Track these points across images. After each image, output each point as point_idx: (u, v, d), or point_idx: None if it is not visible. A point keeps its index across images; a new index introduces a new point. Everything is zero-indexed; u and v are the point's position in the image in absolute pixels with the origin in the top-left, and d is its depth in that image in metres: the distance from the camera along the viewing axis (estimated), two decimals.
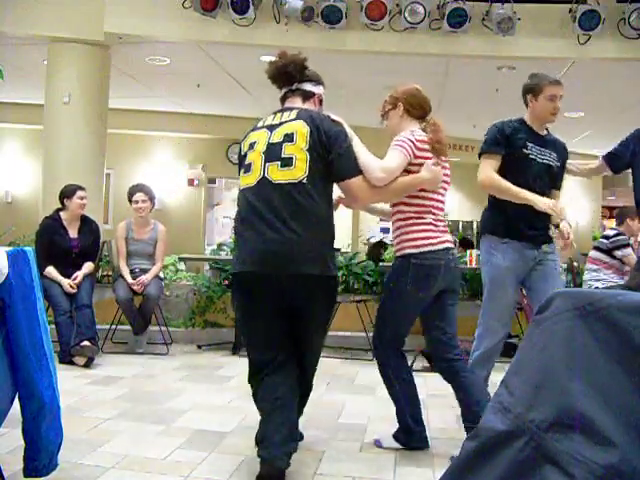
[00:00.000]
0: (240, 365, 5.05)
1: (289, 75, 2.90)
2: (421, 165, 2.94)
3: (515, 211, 3.25)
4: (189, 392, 4.07)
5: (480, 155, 3.31)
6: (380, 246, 7.15)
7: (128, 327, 5.38)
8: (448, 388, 4.47)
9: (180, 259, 6.36)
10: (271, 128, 2.81)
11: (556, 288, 3.09)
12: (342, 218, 12.72)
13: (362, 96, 9.21)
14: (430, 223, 2.98)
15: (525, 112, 3.40)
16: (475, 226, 13.35)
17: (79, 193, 5.19)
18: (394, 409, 3.16)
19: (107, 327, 5.44)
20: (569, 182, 16.25)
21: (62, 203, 5.22)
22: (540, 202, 3.11)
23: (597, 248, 5.58)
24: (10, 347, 2.09)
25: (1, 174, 10.86)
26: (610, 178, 15.36)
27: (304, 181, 2.68)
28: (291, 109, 2.86)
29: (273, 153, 2.73)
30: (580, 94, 8.06)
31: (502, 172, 3.28)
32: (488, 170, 3.24)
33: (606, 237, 5.54)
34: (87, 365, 4.66)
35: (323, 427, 3.38)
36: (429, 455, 2.99)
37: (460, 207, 13.76)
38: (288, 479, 2.63)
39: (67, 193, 5.20)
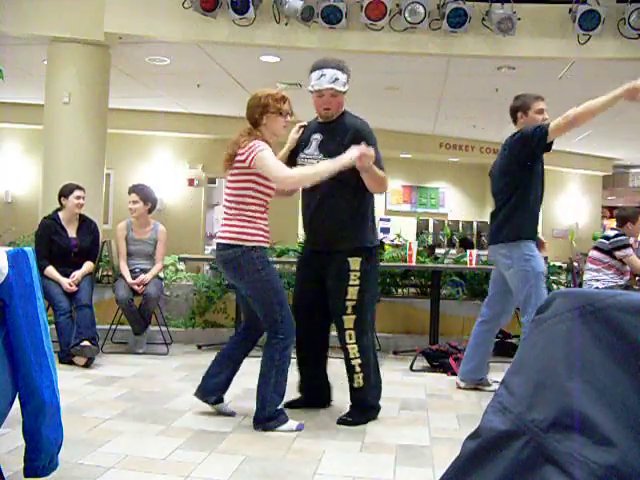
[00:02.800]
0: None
1: None
2: None
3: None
4: (189, 392, 4.05)
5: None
6: (380, 246, 7.14)
7: (128, 327, 5.37)
8: (448, 388, 4.48)
9: (180, 259, 6.35)
10: None
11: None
12: None
13: (362, 96, 9.22)
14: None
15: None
16: (475, 226, 13.30)
17: (76, 192, 5.18)
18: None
19: (107, 327, 5.44)
20: (569, 182, 16.07)
21: (60, 202, 5.22)
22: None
23: (597, 248, 5.58)
24: (10, 347, 2.09)
25: (1, 174, 10.85)
26: (610, 178, 15.34)
27: None
28: None
29: None
30: (580, 94, 8.04)
31: (520, 186, 3.78)
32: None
33: (606, 237, 5.54)
34: (87, 365, 4.66)
35: (323, 427, 3.38)
36: (429, 455, 2.99)
37: (460, 207, 13.74)
38: (288, 479, 2.63)
39: (64, 192, 5.20)
